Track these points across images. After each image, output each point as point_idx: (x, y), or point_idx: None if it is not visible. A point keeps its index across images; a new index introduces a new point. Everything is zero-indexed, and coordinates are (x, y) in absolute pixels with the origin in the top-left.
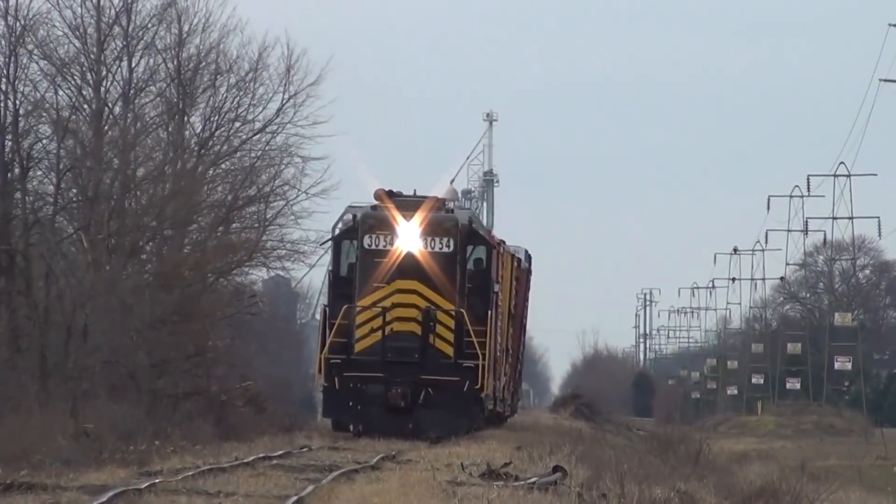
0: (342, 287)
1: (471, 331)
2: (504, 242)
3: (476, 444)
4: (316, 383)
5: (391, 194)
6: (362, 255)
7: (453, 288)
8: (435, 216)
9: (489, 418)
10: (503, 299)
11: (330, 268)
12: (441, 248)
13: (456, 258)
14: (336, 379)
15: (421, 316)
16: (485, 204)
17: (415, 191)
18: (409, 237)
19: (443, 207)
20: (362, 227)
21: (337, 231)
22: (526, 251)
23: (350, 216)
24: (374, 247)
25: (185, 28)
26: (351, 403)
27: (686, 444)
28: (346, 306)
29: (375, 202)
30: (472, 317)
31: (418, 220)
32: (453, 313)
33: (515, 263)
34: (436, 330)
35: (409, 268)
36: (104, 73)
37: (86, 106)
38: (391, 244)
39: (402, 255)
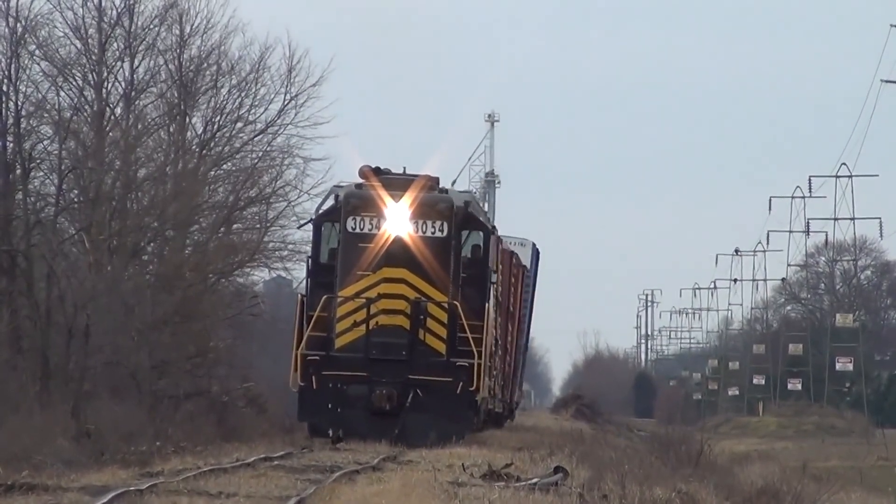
0: (322, 275)
1: (465, 325)
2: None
3: (477, 444)
4: (291, 382)
5: (378, 172)
6: (345, 240)
7: (447, 277)
8: (427, 197)
9: (488, 419)
10: (500, 291)
11: (309, 254)
12: (433, 233)
13: (450, 244)
14: (314, 378)
15: (410, 308)
16: (486, 205)
17: (404, 169)
18: (398, 220)
19: (436, 187)
20: (345, 208)
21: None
22: (534, 245)
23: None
24: (358, 230)
25: (187, 29)
26: (330, 406)
27: (687, 445)
28: (325, 296)
29: (361, 181)
30: (466, 309)
31: (408, 200)
32: (446, 306)
33: (501, 245)
34: (426, 324)
35: (398, 254)
36: (106, 74)
37: (87, 107)
38: (377, 227)
39: (390, 240)
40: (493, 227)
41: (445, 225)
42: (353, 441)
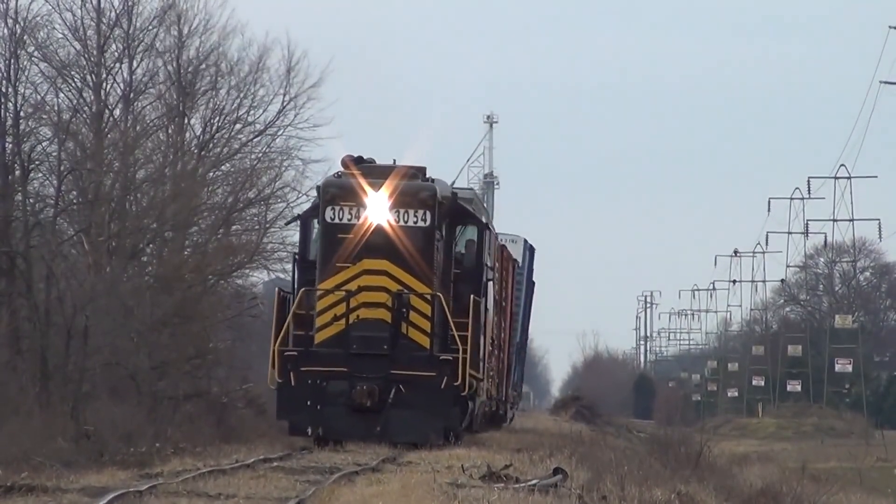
0: (309, 272)
1: (451, 321)
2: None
3: (476, 446)
4: (269, 379)
5: (360, 161)
6: (324, 231)
7: (430, 269)
8: (408, 185)
9: (484, 420)
10: (496, 289)
11: (296, 251)
12: (415, 222)
13: (434, 234)
14: (292, 374)
15: (391, 301)
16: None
17: (394, 161)
18: (378, 209)
19: (419, 176)
20: (324, 198)
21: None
22: (525, 241)
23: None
24: (337, 220)
25: (185, 30)
26: (309, 403)
27: (686, 446)
28: (303, 289)
29: (342, 170)
30: (458, 307)
31: (388, 189)
32: (429, 298)
33: (496, 240)
34: (409, 317)
35: (378, 245)
36: (104, 75)
37: (86, 108)
38: (357, 217)
39: (370, 230)
40: (486, 223)
41: (428, 214)
42: (337, 441)
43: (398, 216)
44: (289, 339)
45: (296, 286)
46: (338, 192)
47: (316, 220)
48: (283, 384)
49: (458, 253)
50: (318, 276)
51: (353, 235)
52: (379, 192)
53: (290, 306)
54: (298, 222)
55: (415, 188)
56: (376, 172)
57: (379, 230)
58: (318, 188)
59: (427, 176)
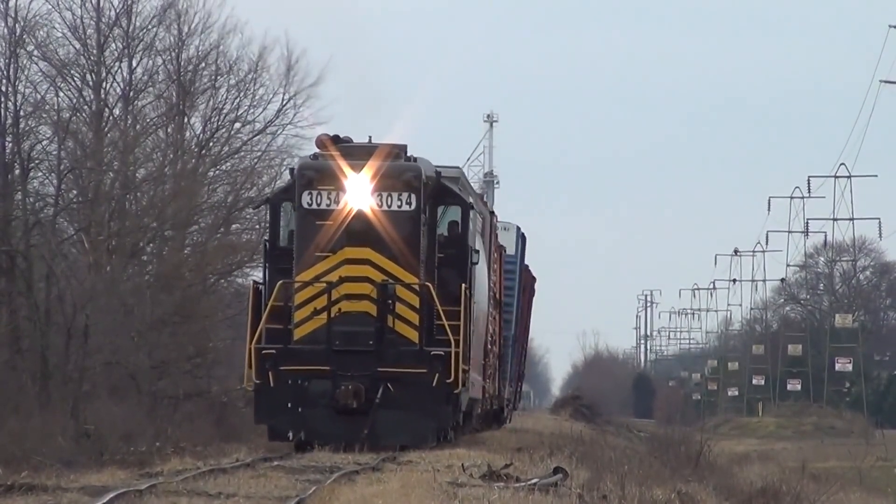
0: (283, 261)
1: (440, 311)
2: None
3: (476, 445)
4: (245, 380)
5: (338, 140)
6: (301, 217)
7: (416, 257)
8: (392, 166)
9: (484, 418)
10: (493, 280)
11: (266, 237)
12: (400, 206)
13: (419, 219)
14: (270, 374)
15: (376, 292)
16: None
17: (370, 138)
18: (359, 193)
19: (402, 156)
20: (300, 182)
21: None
22: (518, 228)
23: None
24: (314, 206)
25: (185, 29)
26: (290, 405)
27: (686, 446)
28: (281, 282)
29: (318, 150)
30: (443, 294)
31: (370, 171)
32: (417, 288)
33: (495, 223)
34: (395, 309)
35: (360, 232)
36: (104, 74)
37: (86, 107)
38: (336, 202)
39: (351, 216)
40: (470, 203)
41: (413, 197)
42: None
43: (381, 200)
44: (263, 335)
45: (267, 275)
46: (315, 175)
47: (287, 204)
48: (261, 385)
49: (440, 236)
50: (295, 267)
51: (332, 222)
52: (360, 175)
53: (263, 299)
54: (268, 206)
55: (398, 169)
56: (356, 153)
57: (360, 216)
58: (291, 171)
59: (409, 154)
